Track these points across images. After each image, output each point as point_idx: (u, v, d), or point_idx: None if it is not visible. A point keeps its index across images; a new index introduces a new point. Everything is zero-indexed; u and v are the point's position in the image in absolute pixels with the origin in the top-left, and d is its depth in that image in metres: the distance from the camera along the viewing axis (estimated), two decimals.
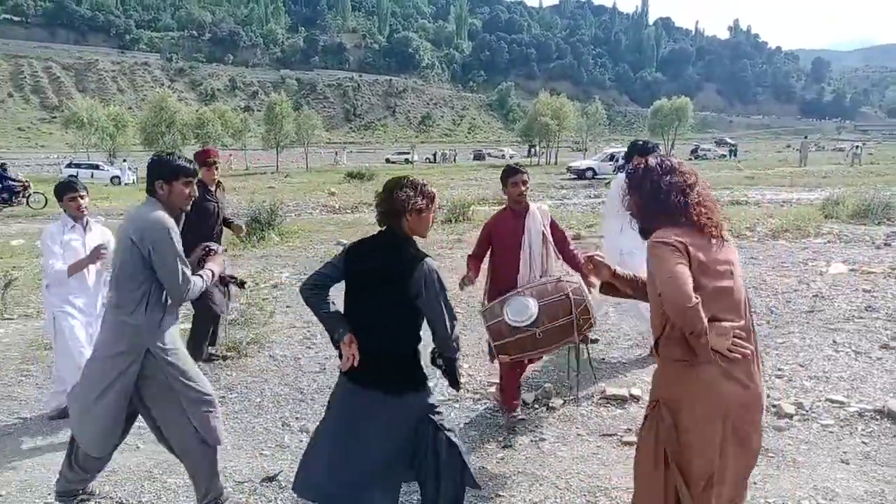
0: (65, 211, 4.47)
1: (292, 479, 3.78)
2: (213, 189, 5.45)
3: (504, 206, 4.43)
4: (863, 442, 4.07)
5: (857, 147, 45.30)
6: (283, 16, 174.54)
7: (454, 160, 66.84)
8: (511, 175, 4.29)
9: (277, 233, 12.42)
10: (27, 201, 22.05)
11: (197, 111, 53.41)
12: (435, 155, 69.99)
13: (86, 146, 46.19)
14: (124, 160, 43.27)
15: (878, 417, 4.35)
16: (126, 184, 35.37)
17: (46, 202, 21.04)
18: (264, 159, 57.78)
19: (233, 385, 5.26)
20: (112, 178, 36.13)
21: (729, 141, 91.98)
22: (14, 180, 22.64)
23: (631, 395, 4.80)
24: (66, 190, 4.46)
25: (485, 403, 4.86)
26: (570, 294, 3.89)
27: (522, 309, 3.86)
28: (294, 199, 21.67)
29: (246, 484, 3.77)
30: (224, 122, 49.98)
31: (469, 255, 4.55)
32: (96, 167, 37.94)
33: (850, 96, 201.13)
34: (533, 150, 62.05)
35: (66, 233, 4.42)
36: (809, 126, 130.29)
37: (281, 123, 53.10)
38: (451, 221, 14.34)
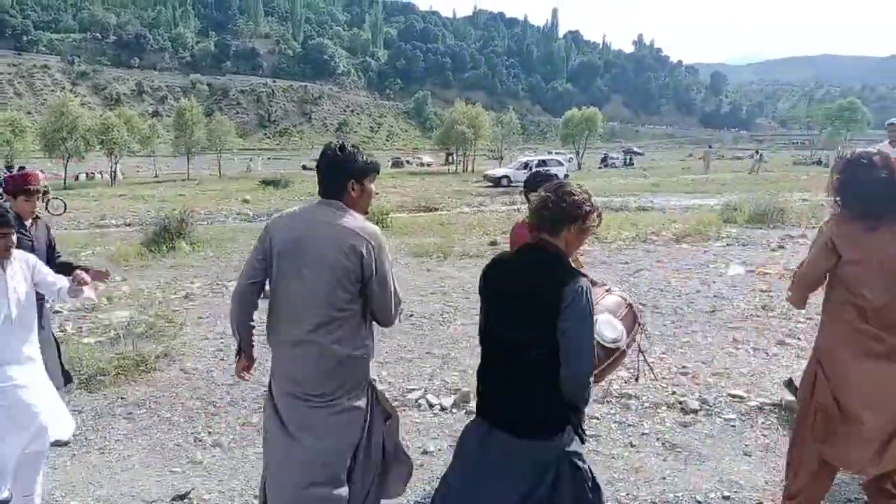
0: None
1: (205, 497, 3.68)
2: (28, 224, 4.21)
3: (525, 218, 4.05)
4: (763, 434, 4.31)
5: (760, 155, 47.78)
6: (193, 19, 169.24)
7: None
8: (539, 187, 4.04)
9: (188, 242, 12.00)
10: (46, 206, 20.77)
11: (101, 116, 50.89)
12: None
13: None
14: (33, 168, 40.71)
15: (776, 411, 4.62)
16: None
17: (66, 208, 20.72)
18: (175, 166, 55.78)
19: (141, 400, 5.05)
20: None
21: (636, 150, 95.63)
22: None
23: None
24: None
25: (403, 410, 4.85)
26: (627, 299, 3.36)
27: (611, 327, 3.07)
28: (206, 207, 21.01)
29: (156, 503, 3.62)
30: (131, 128, 47.80)
31: None
32: None
33: (745, 108, 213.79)
34: (450, 157, 62.58)
35: None
36: (709, 136, 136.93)
37: (192, 129, 51.35)
38: None
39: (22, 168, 22.04)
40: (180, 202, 21.18)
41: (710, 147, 60.88)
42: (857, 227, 2.82)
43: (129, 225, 16.46)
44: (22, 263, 3.25)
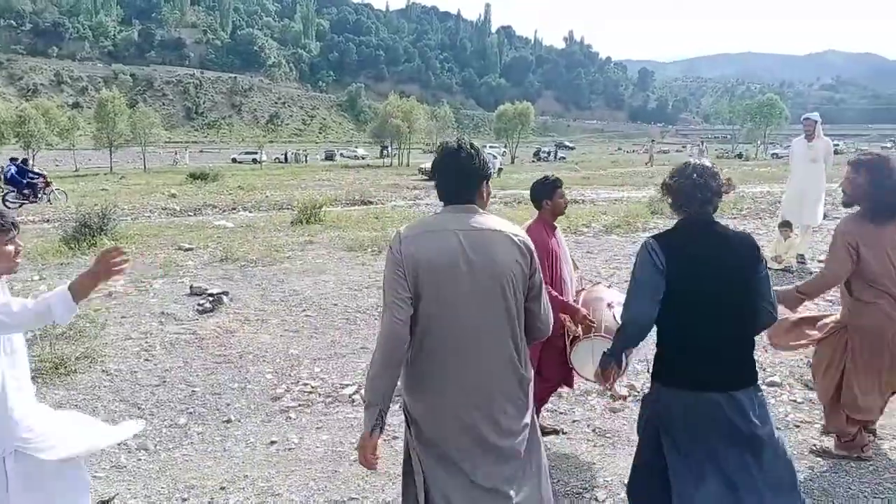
0: None
1: (129, 502, 3.54)
2: None
3: (535, 220, 3.97)
4: None
5: (702, 145, 48.73)
6: (115, 7, 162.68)
7: (305, 160, 65.60)
8: (558, 186, 3.97)
9: (111, 238, 11.52)
10: (48, 198, 20.13)
11: (17, 108, 48.32)
12: (286, 155, 68.34)
13: None
14: None
15: None
16: None
17: (67, 199, 20.16)
18: (96, 160, 53.50)
19: (61, 403, 4.81)
20: None
21: (568, 144, 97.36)
22: (37, 174, 20.98)
23: None
24: None
25: (336, 406, 4.80)
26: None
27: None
28: (130, 201, 20.21)
29: None
30: (49, 120, 45.57)
31: None
32: None
33: (671, 104, 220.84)
34: (385, 150, 62.32)
35: None
36: (638, 131, 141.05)
37: (114, 121, 49.29)
38: (301, 223, 14.03)
39: (25, 161, 21.03)
40: (102, 197, 20.35)
41: (654, 141, 62.24)
42: (870, 226, 3.48)
43: (48, 221, 15.68)
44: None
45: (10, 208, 18.26)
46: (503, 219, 2.33)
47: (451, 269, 2.16)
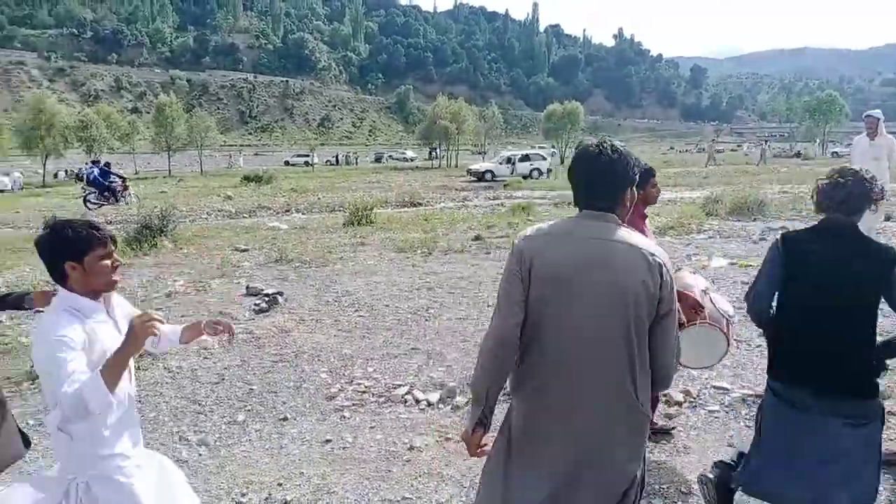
0: (68, 282, 2.14)
1: None
2: None
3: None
4: (747, 426, 4.33)
5: (765, 144, 47.22)
6: (171, 14, 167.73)
7: (356, 162, 66.45)
8: (653, 175, 3.89)
9: (170, 240, 11.90)
10: (126, 201, 20.75)
11: (79, 113, 50.27)
12: (336, 157, 69.35)
13: None
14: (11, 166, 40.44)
15: (759, 402, 4.65)
16: (2, 190, 32.81)
17: (139, 201, 20.25)
18: (155, 163, 55.22)
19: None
20: None
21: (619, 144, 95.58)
22: (118, 176, 21.77)
23: None
24: (92, 242, 2.13)
25: (389, 406, 4.85)
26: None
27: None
28: (188, 203, 20.81)
29: None
30: (110, 125, 47.31)
31: None
32: None
33: (726, 101, 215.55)
34: (433, 152, 62.59)
35: (85, 320, 2.12)
36: (691, 129, 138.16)
37: (172, 126, 50.92)
38: (353, 224, 14.23)
39: (108, 164, 21.87)
40: (161, 199, 20.99)
41: (714, 140, 60.30)
42: None
43: (111, 223, 16.28)
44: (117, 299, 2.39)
45: (90, 209, 19.10)
46: (644, 237, 2.12)
47: (565, 280, 2.02)
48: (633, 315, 1.99)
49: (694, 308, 3.52)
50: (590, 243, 2.03)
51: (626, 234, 2.06)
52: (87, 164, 22.20)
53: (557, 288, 2.03)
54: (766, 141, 51.56)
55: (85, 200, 20.33)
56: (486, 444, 2.18)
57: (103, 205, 20.12)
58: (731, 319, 3.63)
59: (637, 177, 2.15)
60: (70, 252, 2.09)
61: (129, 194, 21.24)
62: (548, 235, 2.10)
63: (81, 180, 21.87)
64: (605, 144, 2.10)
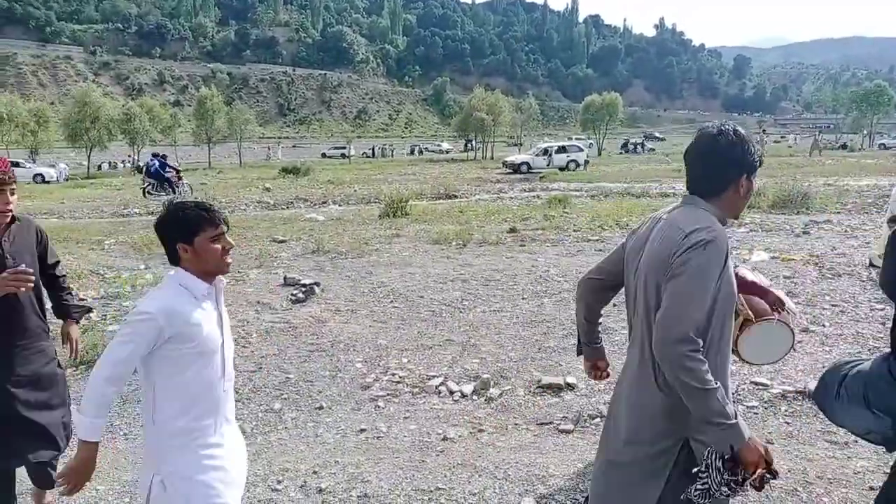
0: (182, 263, 2.15)
1: None
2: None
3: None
4: (786, 422, 4.26)
5: (818, 135, 45.12)
6: (213, 8, 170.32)
7: (392, 155, 66.74)
8: None
9: None
10: (180, 191, 21.34)
11: (123, 106, 51.49)
12: (373, 150, 69.74)
13: (5, 143, 43.99)
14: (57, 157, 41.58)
15: (799, 398, 4.55)
16: (48, 181, 33.80)
17: (192, 192, 20.94)
18: (196, 155, 56.24)
19: None
20: (35, 177, 34.46)
21: (657, 135, 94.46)
22: (173, 168, 22.71)
23: (566, 384, 4.89)
24: (202, 223, 2.11)
25: (423, 397, 4.87)
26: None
27: None
28: (227, 195, 21.16)
29: None
30: (152, 118, 48.35)
31: None
32: (16, 164, 36.17)
33: (770, 92, 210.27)
34: (469, 144, 62.45)
35: (196, 304, 2.13)
36: (733, 121, 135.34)
37: (212, 118, 51.80)
38: (388, 216, 14.29)
39: (165, 157, 22.61)
40: (203, 190, 21.38)
41: (820, 132, 57.57)
42: None
43: (152, 213, 16.63)
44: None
45: (150, 200, 19.75)
46: (705, 219, 1.99)
47: (631, 258, 2.17)
48: (653, 292, 2.01)
49: (774, 304, 3.36)
50: (658, 223, 2.11)
51: (689, 213, 2.03)
52: (149, 157, 22.91)
53: (627, 265, 2.21)
54: (819, 131, 48.95)
55: (144, 191, 21.09)
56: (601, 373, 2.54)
57: (162, 195, 20.66)
58: (795, 315, 3.48)
59: (757, 165, 2.07)
60: (180, 233, 2.10)
61: (184, 184, 21.83)
62: (648, 217, 2.24)
63: (141, 172, 22.68)
64: (726, 128, 2.06)
